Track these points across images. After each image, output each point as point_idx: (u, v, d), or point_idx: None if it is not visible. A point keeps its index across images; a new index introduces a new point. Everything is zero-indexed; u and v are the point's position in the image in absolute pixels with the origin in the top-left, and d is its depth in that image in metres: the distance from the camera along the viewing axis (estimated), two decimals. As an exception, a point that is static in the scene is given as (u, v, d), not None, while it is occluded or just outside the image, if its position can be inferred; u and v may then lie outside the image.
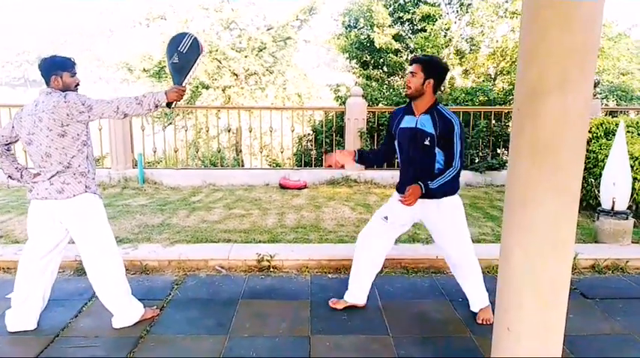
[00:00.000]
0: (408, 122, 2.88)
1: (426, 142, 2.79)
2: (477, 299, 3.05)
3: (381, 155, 3.27)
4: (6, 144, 2.77)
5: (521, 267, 1.90)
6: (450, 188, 2.88)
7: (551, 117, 1.78)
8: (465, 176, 7.16)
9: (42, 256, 2.76)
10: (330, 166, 3.15)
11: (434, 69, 2.79)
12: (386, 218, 2.99)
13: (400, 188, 2.95)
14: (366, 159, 3.17)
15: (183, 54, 2.76)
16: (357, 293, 3.15)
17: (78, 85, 2.76)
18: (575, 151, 1.81)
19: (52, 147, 2.60)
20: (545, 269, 1.86)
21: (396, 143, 2.99)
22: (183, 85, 2.80)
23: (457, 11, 11.67)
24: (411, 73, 2.80)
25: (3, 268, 3.77)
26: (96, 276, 2.80)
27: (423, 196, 2.75)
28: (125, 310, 2.88)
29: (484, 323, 2.97)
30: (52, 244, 2.77)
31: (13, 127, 2.72)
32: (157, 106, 2.70)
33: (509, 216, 1.97)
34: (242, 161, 11.01)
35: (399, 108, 3.07)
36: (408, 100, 2.93)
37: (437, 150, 2.80)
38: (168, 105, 2.76)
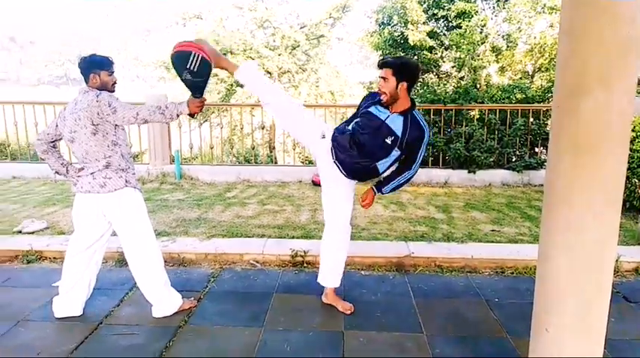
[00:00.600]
0: (379, 112, 2.75)
1: (388, 141, 2.70)
2: (332, 276, 3.11)
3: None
4: (51, 142, 2.89)
5: (561, 266, 1.87)
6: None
7: (592, 114, 1.75)
8: (502, 175, 7.03)
9: (87, 246, 2.89)
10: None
11: (405, 71, 2.67)
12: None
13: (343, 167, 2.84)
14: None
15: (195, 72, 2.67)
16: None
17: (115, 83, 2.86)
18: (617, 149, 1.77)
19: (88, 145, 2.71)
20: (587, 270, 1.83)
21: (354, 122, 2.84)
22: (203, 96, 2.79)
23: (494, 7, 11.42)
24: (382, 78, 2.69)
25: (49, 258, 3.94)
26: (137, 267, 2.91)
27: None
28: (164, 300, 2.97)
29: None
30: (97, 235, 2.89)
31: (57, 126, 2.84)
32: (178, 116, 2.74)
33: (549, 215, 1.94)
34: (275, 158, 11.12)
35: (375, 92, 2.86)
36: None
37: (395, 150, 2.75)
38: (191, 115, 2.78)
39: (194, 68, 2.64)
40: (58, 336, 2.77)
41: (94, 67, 2.78)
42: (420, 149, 2.77)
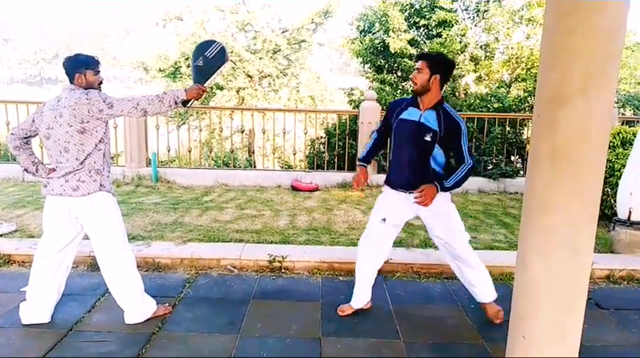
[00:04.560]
0: (411, 114, 2.85)
1: (427, 138, 2.76)
2: (487, 290, 3.04)
3: (377, 148, 3.19)
4: (25, 138, 2.81)
5: (538, 273, 1.88)
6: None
7: (572, 122, 1.77)
8: (478, 183, 7.11)
9: (58, 250, 2.79)
10: (359, 188, 3.11)
11: (440, 65, 2.78)
12: (384, 220, 2.95)
13: (392, 182, 2.93)
14: (371, 158, 3.20)
15: (209, 59, 2.83)
16: (362, 297, 3.13)
17: (101, 83, 2.81)
18: (596, 157, 1.80)
19: (70, 143, 2.63)
20: (563, 276, 1.84)
21: (392, 134, 2.95)
22: (204, 86, 2.84)
23: (474, 17, 11.62)
24: (417, 69, 2.80)
25: (18, 262, 3.81)
26: (109, 273, 2.83)
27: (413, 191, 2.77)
28: (138, 306, 2.89)
29: (494, 319, 2.99)
30: (68, 239, 2.80)
31: (33, 121, 2.76)
32: (176, 103, 2.73)
33: (528, 221, 1.95)
34: (254, 162, 11.04)
35: (401, 98, 2.99)
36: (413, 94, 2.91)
37: (436, 147, 2.78)
38: (185, 103, 2.79)
39: (210, 55, 2.82)
40: (25, 343, 2.67)
41: (80, 66, 2.71)
42: (462, 140, 2.78)
